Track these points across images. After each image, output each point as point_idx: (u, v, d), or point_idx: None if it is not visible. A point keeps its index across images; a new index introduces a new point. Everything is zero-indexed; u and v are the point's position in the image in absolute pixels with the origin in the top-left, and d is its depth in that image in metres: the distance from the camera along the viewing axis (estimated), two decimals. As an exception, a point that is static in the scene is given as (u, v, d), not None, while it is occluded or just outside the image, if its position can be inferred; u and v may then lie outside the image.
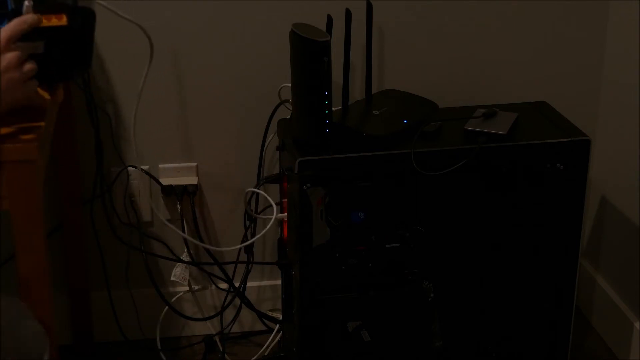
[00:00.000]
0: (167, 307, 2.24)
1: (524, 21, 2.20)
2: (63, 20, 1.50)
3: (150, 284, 2.17)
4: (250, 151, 2.18)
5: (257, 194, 2.14)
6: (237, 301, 2.24)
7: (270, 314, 2.30)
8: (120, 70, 2.11)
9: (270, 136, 2.15)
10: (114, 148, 2.15)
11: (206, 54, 2.13)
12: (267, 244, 2.29)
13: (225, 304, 2.24)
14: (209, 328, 2.30)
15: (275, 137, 2.11)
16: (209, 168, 2.22)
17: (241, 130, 2.19)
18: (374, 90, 2.08)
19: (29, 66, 1.47)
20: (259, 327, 2.32)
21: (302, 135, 1.89)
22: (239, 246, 2.17)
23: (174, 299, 2.27)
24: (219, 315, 2.26)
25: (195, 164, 2.21)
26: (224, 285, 2.27)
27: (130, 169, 2.16)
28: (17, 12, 1.48)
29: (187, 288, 2.28)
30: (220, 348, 2.26)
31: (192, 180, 2.20)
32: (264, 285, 2.34)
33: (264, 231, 2.09)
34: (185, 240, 2.17)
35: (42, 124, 1.49)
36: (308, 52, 1.79)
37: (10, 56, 1.44)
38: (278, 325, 2.26)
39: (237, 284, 2.22)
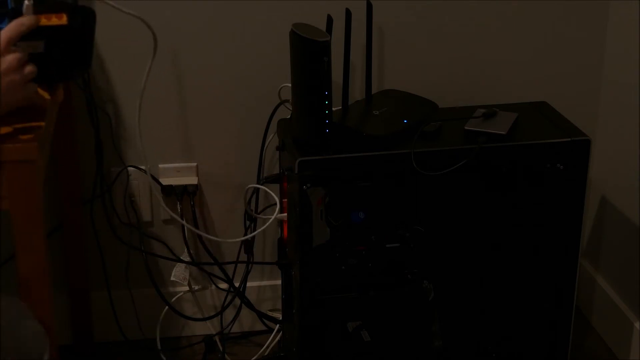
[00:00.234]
0: (167, 307, 2.24)
1: (524, 21, 2.20)
2: (63, 20, 1.50)
3: (150, 284, 2.17)
4: (250, 151, 2.18)
5: (257, 192, 2.14)
6: (237, 301, 2.24)
7: (270, 314, 2.30)
8: (120, 70, 2.11)
9: (270, 136, 2.15)
10: (114, 148, 2.15)
11: (206, 54, 2.13)
12: (267, 244, 2.29)
13: (225, 304, 2.24)
14: (209, 328, 2.30)
15: (275, 137, 2.11)
16: (209, 168, 2.21)
17: (241, 130, 2.19)
18: (374, 90, 2.08)
19: (29, 68, 1.47)
20: (259, 327, 2.32)
21: (302, 135, 1.89)
22: (239, 239, 2.17)
23: (174, 299, 2.27)
24: (219, 315, 2.26)
25: (195, 164, 2.21)
26: (224, 285, 2.27)
27: (130, 169, 2.16)
28: (17, 12, 1.48)
29: (187, 288, 2.28)
30: (220, 348, 2.25)
31: (192, 180, 2.20)
32: (264, 285, 2.34)
33: (264, 226, 2.08)
34: (185, 240, 2.17)
35: (42, 124, 1.49)
36: (308, 52, 1.79)
37: (10, 58, 1.44)
38: (278, 325, 2.26)
39: (237, 284, 2.22)
